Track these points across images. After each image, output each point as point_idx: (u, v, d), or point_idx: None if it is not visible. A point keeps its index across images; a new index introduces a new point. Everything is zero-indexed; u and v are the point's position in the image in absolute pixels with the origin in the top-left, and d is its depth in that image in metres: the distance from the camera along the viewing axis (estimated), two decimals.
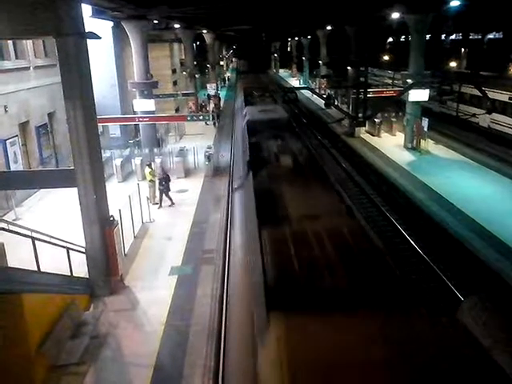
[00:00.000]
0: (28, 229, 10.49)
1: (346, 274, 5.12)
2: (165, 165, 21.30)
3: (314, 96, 46.43)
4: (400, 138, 28.64)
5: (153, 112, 24.06)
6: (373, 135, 30.42)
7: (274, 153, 9.04)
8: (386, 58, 74.05)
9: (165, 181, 18.42)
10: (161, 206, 18.48)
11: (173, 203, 18.62)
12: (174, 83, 40.89)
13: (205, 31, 47.60)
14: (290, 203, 7.70)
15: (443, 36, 69.11)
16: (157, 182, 18.73)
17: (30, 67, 20.47)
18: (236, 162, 14.50)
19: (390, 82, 44.65)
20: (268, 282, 5.35)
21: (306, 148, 10.40)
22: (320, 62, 54.59)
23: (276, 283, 5.29)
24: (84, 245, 11.81)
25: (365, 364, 4.10)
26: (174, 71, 41.19)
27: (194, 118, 25.83)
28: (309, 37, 62.04)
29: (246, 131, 10.51)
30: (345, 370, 4.03)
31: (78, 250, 11.85)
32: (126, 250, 14.37)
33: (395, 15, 24.85)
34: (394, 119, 30.61)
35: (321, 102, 44.95)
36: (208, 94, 45.92)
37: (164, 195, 18.50)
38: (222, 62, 78.31)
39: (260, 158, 8.58)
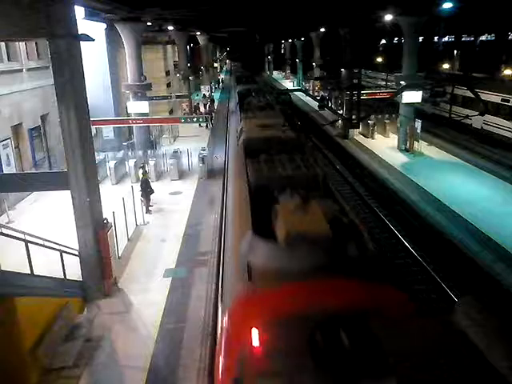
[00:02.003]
0: (21, 232, 10.43)
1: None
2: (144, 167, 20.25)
3: (308, 98, 46.56)
4: (393, 139, 28.75)
5: (146, 114, 24.02)
6: (366, 137, 30.52)
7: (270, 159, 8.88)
8: (380, 59, 74.37)
9: (144, 184, 17.97)
10: (148, 210, 17.94)
11: (148, 210, 17.94)
12: (168, 85, 40.92)
13: (198, 33, 47.66)
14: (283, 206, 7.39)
15: (436, 38, 69.47)
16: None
17: (22, 69, 20.37)
18: (230, 163, 14.16)
19: (383, 83, 44.87)
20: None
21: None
22: (313, 63, 54.71)
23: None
24: (77, 247, 11.75)
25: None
26: (167, 73, 41.22)
27: (188, 120, 25.80)
28: (302, 39, 62.19)
29: (243, 151, 9.83)
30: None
31: (71, 253, 11.79)
32: (120, 253, 14.33)
33: (388, 17, 24.96)
34: (387, 121, 30.73)
35: (314, 104, 45.08)
36: (204, 94, 45.94)
37: (144, 199, 17.91)
38: (215, 64, 78.33)
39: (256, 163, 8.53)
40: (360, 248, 5.39)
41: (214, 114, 39.07)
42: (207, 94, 47.23)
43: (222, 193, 19.19)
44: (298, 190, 6.64)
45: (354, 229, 5.90)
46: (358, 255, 5.23)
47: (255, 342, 4.23)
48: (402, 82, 25.80)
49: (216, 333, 9.93)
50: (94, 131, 20.45)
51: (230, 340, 4.82)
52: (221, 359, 4.76)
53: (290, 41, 75.64)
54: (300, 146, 10.34)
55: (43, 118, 22.10)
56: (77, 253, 11.78)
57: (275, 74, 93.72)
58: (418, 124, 25.96)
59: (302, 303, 4.51)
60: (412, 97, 25.72)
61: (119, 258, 14.06)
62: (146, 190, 17.95)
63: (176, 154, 23.31)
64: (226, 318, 5.24)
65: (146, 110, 23.99)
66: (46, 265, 10.85)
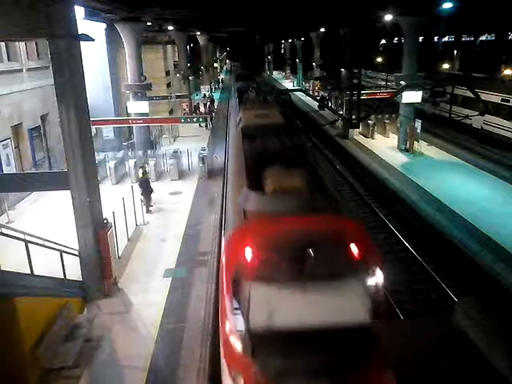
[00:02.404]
0: (21, 232, 10.43)
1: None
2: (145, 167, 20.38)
3: (308, 98, 46.57)
4: (393, 139, 28.75)
5: (146, 114, 24.02)
6: (366, 137, 30.51)
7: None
8: (380, 59, 74.38)
9: (144, 184, 18.01)
10: (148, 210, 17.97)
11: (148, 210, 17.99)
12: (168, 85, 40.91)
13: (198, 33, 47.65)
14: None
15: (436, 38, 69.47)
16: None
17: (22, 69, 20.36)
18: (230, 144, 16.05)
19: (383, 83, 44.87)
20: None
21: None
22: (313, 63, 54.71)
23: None
24: (77, 247, 11.75)
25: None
26: (167, 73, 41.21)
27: (188, 119, 25.80)
28: (302, 39, 62.19)
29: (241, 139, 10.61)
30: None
31: (71, 253, 11.78)
32: (120, 253, 14.33)
33: (388, 17, 24.96)
34: (387, 121, 30.72)
35: (314, 104, 45.07)
36: (204, 94, 45.93)
37: (144, 199, 17.94)
38: (215, 64, 78.35)
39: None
40: (324, 196, 7.43)
41: (213, 114, 39.03)
42: (207, 94, 47.24)
43: (222, 192, 19.31)
44: (283, 160, 8.38)
45: (322, 184, 7.99)
46: (322, 200, 7.16)
47: (248, 256, 5.90)
48: (402, 82, 25.82)
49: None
50: (93, 131, 20.44)
51: (229, 256, 6.44)
52: (224, 270, 6.34)
53: (289, 41, 75.66)
54: (289, 130, 11.92)
55: (43, 118, 22.10)
56: (77, 253, 11.77)
57: (275, 73, 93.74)
58: (418, 124, 25.96)
59: (280, 231, 6.22)
60: (412, 97, 25.72)
61: (119, 257, 14.06)
62: (147, 190, 17.95)
63: (176, 154, 23.31)
64: (227, 242, 7.00)
65: (146, 110, 23.99)
66: (46, 265, 10.85)
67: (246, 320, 5.88)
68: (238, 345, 5.94)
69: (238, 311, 5.94)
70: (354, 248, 6.14)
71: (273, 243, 6.09)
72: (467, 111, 30.96)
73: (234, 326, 6.04)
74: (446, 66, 56.34)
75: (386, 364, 6.10)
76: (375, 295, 6.08)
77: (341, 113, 32.81)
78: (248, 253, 6.02)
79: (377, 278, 6.12)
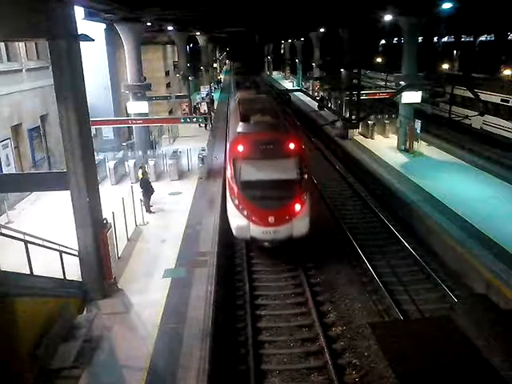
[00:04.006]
0: (21, 232, 10.42)
1: None
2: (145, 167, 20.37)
3: (308, 98, 46.54)
4: (393, 139, 28.73)
5: (146, 114, 24.01)
6: (366, 137, 30.47)
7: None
8: (379, 60, 74.39)
9: (146, 184, 18.00)
10: (148, 210, 17.96)
11: (149, 210, 17.96)
12: (168, 85, 40.94)
13: (198, 33, 47.62)
14: None
15: (436, 38, 69.51)
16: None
17: (22, 69, 20.37)
18: (230, 116, 24.18)
19: (383, 84, 44.86)
20: None
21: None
22: (313, 64, 54.69)
23: None
24: (77, 248, 11.75)
25: None
26: (167, 73, 41.23)
27: (188, 120, 25.78)
28: (302, 39, 62.18)
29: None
30: None
31: (71, 253, 11.79)
32: (120, 253, 14.33)
33: (388, 17, 24.96)
34: (387, 121, 30.70)
35: (314, 104, 45.07)
36: (206, 93, 45.84)
37: (144, 199, 17.93)
38: (215, 65, 78.29)
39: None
40: (281, 124, 16.08)
41: (213, 114, 38.95)
42: (206, 95, 47.17)
43: (222, 192, 19.39)
44: (260, 110, 17.10)
45: (281, 121, 16.50)
46: (279, 126, 15.83)
47: (239, 149, 14.32)
48: (402, 83, 25.81)
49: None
50: (93, 131, 20.41)
51: (231, 149, 14.92)
52: (228, 156, 15.22)
53: (289, 41, 75.63)
54: (267, 99, 22.24)
55: (43, 118, 22.10)
56: (76, 253, 11.77)
57: (275, 74, 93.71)
58: (418, 124, 25.96)
59: (255, 138, 14.68)
60: (411, 97, 25.70)
61: (119, 258, 14.06)
62: (148, 190, 17.96)
63: (176, 154, 23.30)
64: (230, 144, 15.67)
65: (146, 110, 23.97)
66: (46, 265, 10.85)
67: (238, 175, 14.24)
68: (234, 185, 14.24)
69: (235, 172, 14.27)
70: (291, 145, 14.31)
71: (251, 143, 14.45)
72: (467, 111, 30.99)
73: (232, 178, 14.33)
74: (445, 66, 56.35)
75: (305, 196, 14.18)
76: (300, 167, 14.29)
77: (340, 113, 32.79)
78: (239, 147, 14.38)
79: (302, 160, 14.41)
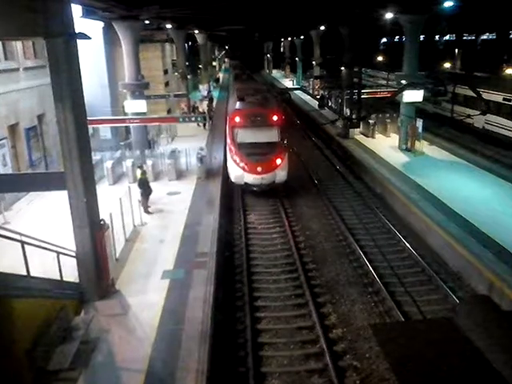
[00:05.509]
0: (17, 233, 10.28)
1: None
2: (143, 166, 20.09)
3: (308, 97, 46.46)
4: (394, 139, 28.60)
5: (144, 113, 23.82)
6: (367, 136, 30.32)
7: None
8: (380, 58, 74.27)
9: (144, 184, 17.83)
10: (146, 210, 17.80)
11: (147, 211, 17.83)
12: (166, 84, 40.71)
13: (197, 31, 47.46)
14: None
15: (437, 37, 69.39)
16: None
17: (19, 68, 20.20)
18: (230, 99, 30.62)
19: (384, 82, 44.69)
20: None
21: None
22: (313, 62, 54.56)
23: None
24: (74, 249, 11.62)
25: None
26: (165, 72, 41.00)
27: (186, 119, 25.59)
28: (302, 37, 62.05)
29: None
30: None
31: (68, 254, 11.65)
32: (118, 254, 14.17)
33: (389, 16, 24.83)
34: (388, 120, 30.53)
35: (314, 103, 44.92)
36: (207, 91, 45.77)
37: (143, 199, 17.75)
38: (214, 63, 78.17)
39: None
40: (269, 101, 23.23)
41: (212, 114, 38.75)
42: (206, 93, 47.06)
43: (220, 192, 19.31)
44: (253, 93, 24.07)
45: (270, 99, 23.90)
46: (267, 103, 22.67)
47: (236, 120, 20.41)
48: (403, 81, 25.68)
49: None
50: (90, 131, 20.23)
51: (230, 119, 21.08)
52: (228, 125, 21.56)
53: (289, 39, 75.49)
54: (259, 87, 28.66)
55: (40, 117, 21.94)
56: (74, 254, 11.65)
57: (275, 72, 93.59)
58: (420, 123, 25.80)
59: (249, 111, 20.84)
60: (413, 96, 25.56)
61: (116, 259, 13.90)
62: (146, 190, 17.80)
63: (174, 154, 23.16)
64: (229, 115, 22.01)
65: (144, 110, 23.77)
66: (43, 266, 10.72)
67: (236, 139, 20.27)
68: (233, 146, 20.28)
69: (233, 137, 20.32)
70: (274, 118, 20.26)
71: (245, 116, 20.34)
72: (469, 110, 30.83)
73: (231, 141, 20.39)
74: (447, 64, 56.22)
75: (284, 154, 20.41)
76: (281, 133, 20.36)
77: (341, 112, 32.66)
78: (236, 118, 20.38)
79: (282, 129, 20.51)
